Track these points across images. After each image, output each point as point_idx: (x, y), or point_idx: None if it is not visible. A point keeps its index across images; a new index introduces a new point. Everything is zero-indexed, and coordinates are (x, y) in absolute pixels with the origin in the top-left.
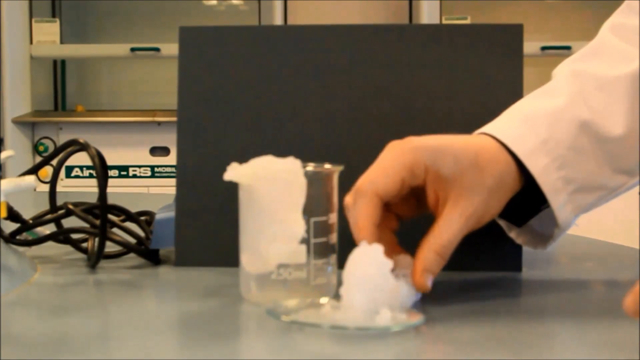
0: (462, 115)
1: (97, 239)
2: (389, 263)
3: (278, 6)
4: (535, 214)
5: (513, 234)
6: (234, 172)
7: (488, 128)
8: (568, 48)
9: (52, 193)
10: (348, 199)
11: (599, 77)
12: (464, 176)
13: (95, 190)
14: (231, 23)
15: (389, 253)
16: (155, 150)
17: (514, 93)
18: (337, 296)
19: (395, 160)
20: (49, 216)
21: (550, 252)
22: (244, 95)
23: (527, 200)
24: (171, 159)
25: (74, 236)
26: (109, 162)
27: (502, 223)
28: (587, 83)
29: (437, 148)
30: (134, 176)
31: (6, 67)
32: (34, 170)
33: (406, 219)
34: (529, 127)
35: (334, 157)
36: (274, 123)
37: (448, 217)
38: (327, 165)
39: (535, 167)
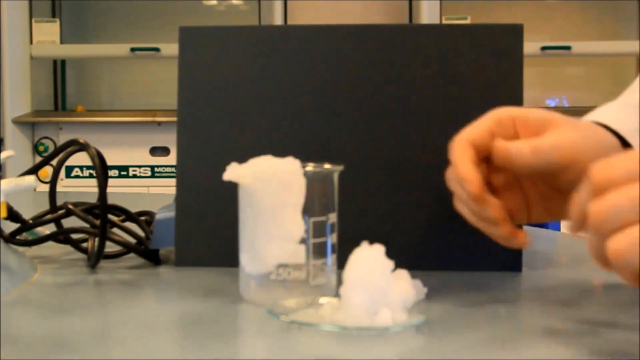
0: (462, 116)
1: (97, 239)
2: (389, 263)
3: (278, 6)
4: None
5: None
6: (233, 172)
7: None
8: (568, 48)
9: (52, 193)
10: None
11: None
12: (554, 119)
13: (95, 190)
14: (231, 23)
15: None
16: (155, 150)
17: (514, 93)
18: (337, 296)
19: (484, 117)
20: (49, 216)
21: (550, 252)
22: (244, 95)
23: None
24: (171, 159)
25: (74, 236)
26: (109, 162)
27: None
28: None
29: (520, 107)
30: (134, 176)
31: (6, 67)
32: (34, 170)
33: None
34: (627, 112)
35: (334, 157)
36: (274, 123)
37: (542, 136)
38: (327, 165)
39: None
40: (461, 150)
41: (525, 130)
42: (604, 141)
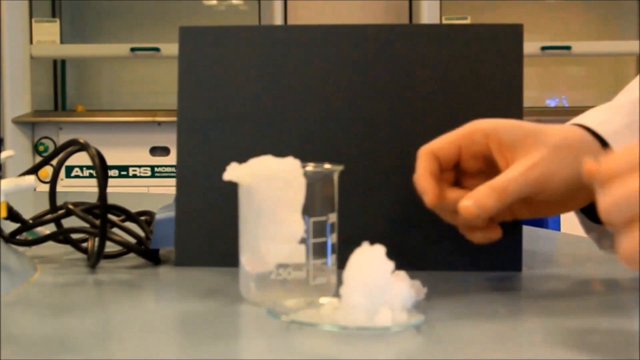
0: (462, 116)
1: (97, 239)
2: (389, 264)
3: (278, 6)
4: None
5: (593, 236)
6: (233, 172)
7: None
8: (568, 48)
9: (52, 193)
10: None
11: None
12: (527, 139)
13: (95, 190)
14: (231, 23)
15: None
16: (155, 150)
17: (514, 93)
18: (337, 296)
19: (456, 131)
20: (49, 216)
21: (550, 252)
22: (244, 95)
23: None
24: (171, 159)
25: (74, 236)
26: (109, 162)
27: (583, 224)
28: None
29: (498, 120)
30: (134, 176)
31: (6, 67)
32: (34, 170)
33: None
34: (613, 113)
35: (334, 157)
36: (274, 123)
37: (511, 167)
38: (327, 165)
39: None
40: (423, 161)
41: (499, 150)
42: (580, 153)
